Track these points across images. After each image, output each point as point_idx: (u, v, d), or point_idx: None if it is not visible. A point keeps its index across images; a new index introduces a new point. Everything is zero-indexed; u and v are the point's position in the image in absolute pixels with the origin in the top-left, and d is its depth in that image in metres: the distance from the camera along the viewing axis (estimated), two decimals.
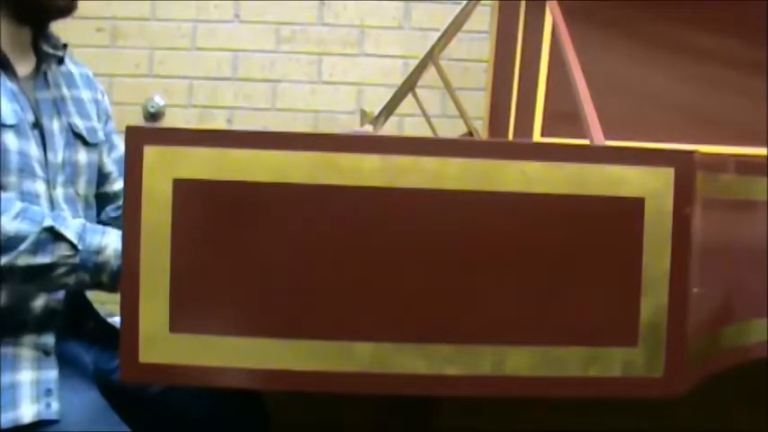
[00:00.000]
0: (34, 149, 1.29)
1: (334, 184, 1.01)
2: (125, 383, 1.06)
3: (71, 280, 1.18)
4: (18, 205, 1.18)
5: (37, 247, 1.16)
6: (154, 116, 2.43)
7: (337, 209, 1.01)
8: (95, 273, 1.18)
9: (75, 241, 1.17)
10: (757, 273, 1.20)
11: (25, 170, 1.27)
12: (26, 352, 1.24)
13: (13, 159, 1.25)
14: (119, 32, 2.63)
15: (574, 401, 1.16)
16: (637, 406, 1.38)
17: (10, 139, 1.25)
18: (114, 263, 1.18)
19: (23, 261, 1.16)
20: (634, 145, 1.32)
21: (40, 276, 1.17)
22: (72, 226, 1.19)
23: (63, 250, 1.17)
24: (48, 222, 1.17)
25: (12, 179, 1.24)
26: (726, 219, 1.16)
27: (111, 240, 1.19)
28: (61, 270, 1.17)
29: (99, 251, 1.18)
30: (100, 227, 1.22)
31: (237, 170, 1.00)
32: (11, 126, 1.26)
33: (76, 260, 1.17)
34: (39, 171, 1.29)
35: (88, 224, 1.22)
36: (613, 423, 1.50)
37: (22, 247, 1.15)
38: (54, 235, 1.16)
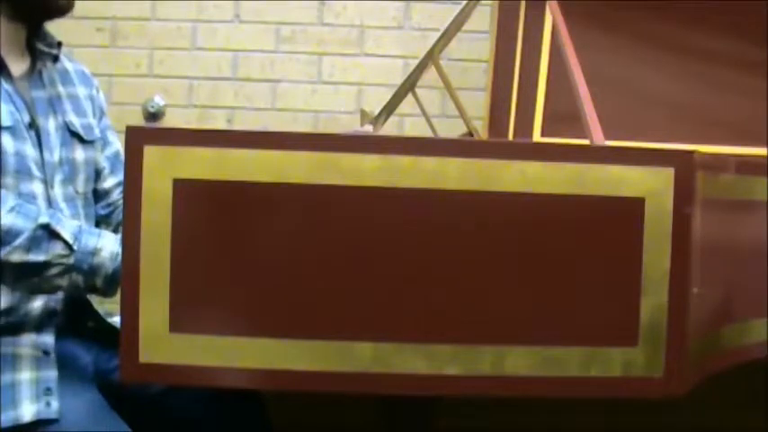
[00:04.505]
0: (30, 150, 1.28)
1: (334, 184, 1.01)
2: (125, 383, 1.06)
3: (64, 281, 1.17)
4: (12, 200, 1.17)
5: (31, 244, 1.14)
6: (154, 116, 2.44)
7: (337, 209, 1.01)
8: (89, 275, 1.17)
9: (70, 241, 1.16)
10: (757, 273, 1.20)
11: (22, 171, 1.26)
12: (26, 351, 1.24)
13: (10, 161, 1.24)
14: (119, 32, 2.62)
15: (574, 401, 1.16)
16: (637, 406, 1.38)
17: (6, 141, 1.25)
18: (109, 266, 1.17)
19: (17, 257, 1.15)
20: (634, 145, 1.32)
21: (32, 274, 1.16)
22: (68, 226, 1.18)
23: (58, 249, 1.16)
24: (44, 219, 1.16)
25: (8, 181, 1.24)
26: (726, 219, 1.16)
27: (106, 243, 1.18)
28: (55, 270, 1.16)
29: (94, 253, 1.17)
30: (96, 229, 1.22)
31: (237, 170, 1.00)
32: (7, 128, 1.25)
33: (71, 260, 1.16)
34: (35, 171, 1.28)
35: (84, 226, 1.21)
36: (613, 423, 1.50)
37: (17, 242, 1.14)
38: (49, 233, 1.15)
